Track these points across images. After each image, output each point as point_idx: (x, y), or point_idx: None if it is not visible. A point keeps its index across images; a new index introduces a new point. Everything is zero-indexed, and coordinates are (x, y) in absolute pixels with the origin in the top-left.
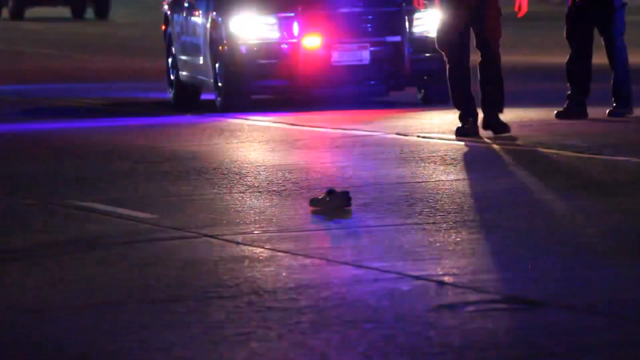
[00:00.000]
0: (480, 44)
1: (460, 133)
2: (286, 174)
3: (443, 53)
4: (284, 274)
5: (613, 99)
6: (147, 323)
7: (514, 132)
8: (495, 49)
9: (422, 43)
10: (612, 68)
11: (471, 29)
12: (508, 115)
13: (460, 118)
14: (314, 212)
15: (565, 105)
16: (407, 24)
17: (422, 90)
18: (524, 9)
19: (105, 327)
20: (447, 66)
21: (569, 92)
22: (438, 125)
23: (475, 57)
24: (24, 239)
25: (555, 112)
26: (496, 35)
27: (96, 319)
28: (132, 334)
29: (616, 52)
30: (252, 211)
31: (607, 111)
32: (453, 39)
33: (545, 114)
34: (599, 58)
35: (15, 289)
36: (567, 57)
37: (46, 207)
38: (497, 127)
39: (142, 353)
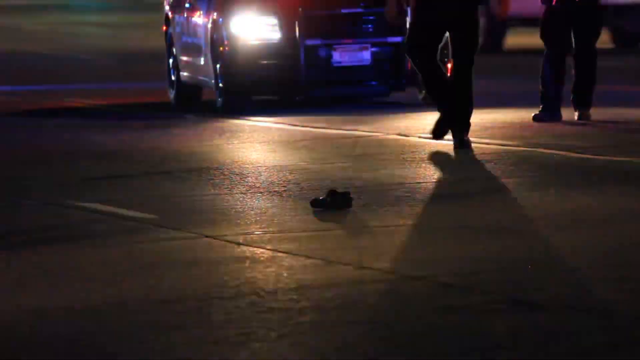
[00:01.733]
0: (456, 55)
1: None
2: (287, 174)
3: (412, 60)
4: (285, 274)
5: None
6: (147, 323)
7: (514, 132)
8: (468, 66)
9: None
10: (577, 72)
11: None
12: (509, 115)
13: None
14: (315, 213)
15: (540, 108)
16: (407, 24)
17: (423, 91)
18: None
19: (106, 327)
20: (420, 75)
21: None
22: None
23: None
24: (24, 239)
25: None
26: (473, 48)
27: (96, 319)
28: (133, 334)
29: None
30: (253, 212)
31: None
32: (424, 45)
33: None
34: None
35: (15, 288)
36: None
37: (46, 207)
38: (461, 142)
39: (143, 353)
